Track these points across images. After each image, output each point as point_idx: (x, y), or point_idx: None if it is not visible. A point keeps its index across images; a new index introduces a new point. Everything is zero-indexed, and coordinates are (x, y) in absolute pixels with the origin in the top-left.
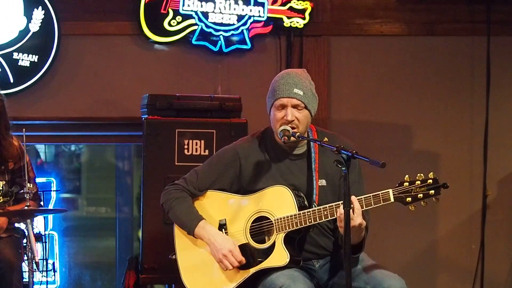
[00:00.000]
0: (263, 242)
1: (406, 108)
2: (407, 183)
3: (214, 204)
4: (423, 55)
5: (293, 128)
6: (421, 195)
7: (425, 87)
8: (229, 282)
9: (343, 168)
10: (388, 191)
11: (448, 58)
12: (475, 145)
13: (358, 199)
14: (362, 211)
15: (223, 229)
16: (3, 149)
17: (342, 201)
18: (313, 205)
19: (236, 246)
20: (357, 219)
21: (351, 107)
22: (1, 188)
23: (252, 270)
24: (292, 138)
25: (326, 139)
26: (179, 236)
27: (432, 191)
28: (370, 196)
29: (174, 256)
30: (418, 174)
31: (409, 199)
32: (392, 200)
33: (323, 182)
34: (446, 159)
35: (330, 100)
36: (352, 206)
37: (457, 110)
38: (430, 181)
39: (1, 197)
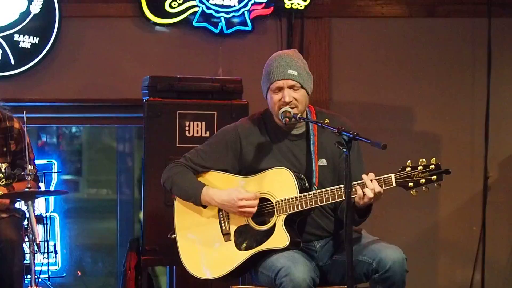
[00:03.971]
0: (264, 223)
1: (407, 90)
2: (409, 168)
3: (216, 184)
4: (424, 36)
5: (292, 108)
6: (423, 180)
7: (426, 69)
8: (229, 262)
9: (345, 150)
10: (390, 176)
11: (449, 39)
12: (476, 126)
13: (359, 183)
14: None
15: (224, 210)
16: None
17: (343, 185)
18: (313, 187)
19: (241, 188)
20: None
21: (352, 89)
22: (4, 171)
23: (252, 251)
24: (293, 119)
25: (327, 120)
26: (179, 214)
27: (434, 177)
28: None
29: (173, 235)
30: (421, 160)
31: (411, 184)
32: (394, 185)
33: (323, 162)
34: (447, 140)
35: (331, 81)
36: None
37: (458, 92)
38: (433, 166)
39: (4, 180)
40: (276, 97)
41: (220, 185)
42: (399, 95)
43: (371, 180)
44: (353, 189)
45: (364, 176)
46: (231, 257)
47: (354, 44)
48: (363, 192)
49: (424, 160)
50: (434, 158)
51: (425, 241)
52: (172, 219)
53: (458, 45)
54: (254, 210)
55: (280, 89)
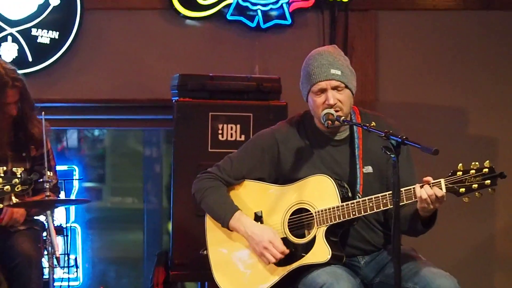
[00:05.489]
0: (303, 236)
1: (461, 89)
2: (460, 172)
3: (251, 195)
4: (480, 31)
5: (337, 111)
6: (476, 185)
7: (482, 66)
8: (265, 280)
9: (392, 156)
10: (440, 181)
11: (507, 34)
12: None
13: (405, 190)
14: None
15: (259, 222)
16: (28, 131)
17: (388, 192)
18: (357, 196)
19: (276, 235)
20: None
21: (401, 88)
22: (19, 176)
23: (291, 267)
24: (336, 122)
25: (373, 123)
26: (211, 229)
27: (488, 181)
28: (419, 186)
29: (205, 252)
30: (473, 163)
31: (462, 189)
32: (444, 191)
33: (369, 169)
34: (505, 145)
35: (377, 80)
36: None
37: None
38: (486, 170)
39: (19, 185)
40: (319, 100)
41: (255, 196)
42: (452, 95)
43: (421, 187)
44: (401, 197)
45: (417, 187)
46: (268, 273)
47: (403, 39)
48: (421, 196)
49: (476, 163)
50: (487, 161)
51: (480, 256)
52: (204, 232)
53: None
54: (273, 260)
55: (323, 90)
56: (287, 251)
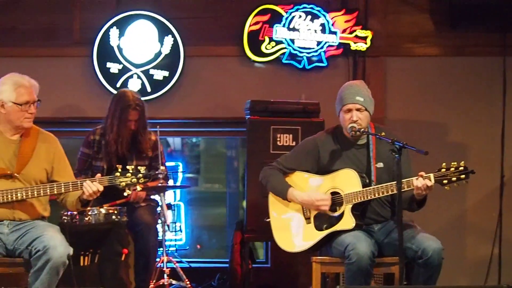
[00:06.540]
0: (335, 211)
1: (443, 110)
2: (444, 169)
3: (300, 181)
4: (455, 70)
5: (358, 125)
6: (455, 178)
7: (457, 95)
8: (309, 240)
9: (396, 156)
10: (430, 175)
11: (473, 73)
12: (495, 138)
13: (406, 181)
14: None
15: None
16: (140, 143)
17: (395, 181)
18: (372, 183)
19: (317, 192)
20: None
21: (402, 110)
22: (143, 172)
23: (327, 231)
24: (357, 133)
25: (383, 133)
26: (272, 205)
27: (463, 176)
28: (415, 178)
29: (268, 220)
30: (452, 163)
31: (445, 181)
32: (433, 182)
33: (381, 165)
34: (473, 149)
35: (386, 104)
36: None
37: (481, 112)
38: (462, 168)
39: (142, 178)
40: (346, 116)
41: (303, 182)
42: (437, 114)
43: (417, 179)
44: (402, 185)
45: (414, 179)
46: (311, 235)
47: (403, 76)
48: (416, 186)
49: (455, 163)
50: (462, 162)
51: (456, 225)
52: (267, 207)
53: (481, 76)
54: (327, 208)
55: (349, 110)
56: (329, 195)
